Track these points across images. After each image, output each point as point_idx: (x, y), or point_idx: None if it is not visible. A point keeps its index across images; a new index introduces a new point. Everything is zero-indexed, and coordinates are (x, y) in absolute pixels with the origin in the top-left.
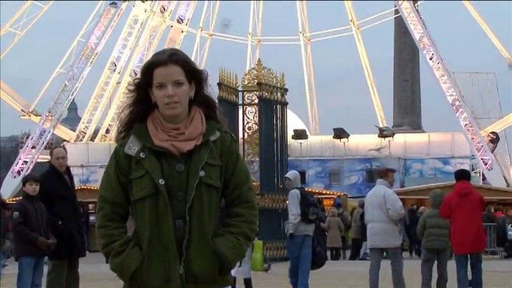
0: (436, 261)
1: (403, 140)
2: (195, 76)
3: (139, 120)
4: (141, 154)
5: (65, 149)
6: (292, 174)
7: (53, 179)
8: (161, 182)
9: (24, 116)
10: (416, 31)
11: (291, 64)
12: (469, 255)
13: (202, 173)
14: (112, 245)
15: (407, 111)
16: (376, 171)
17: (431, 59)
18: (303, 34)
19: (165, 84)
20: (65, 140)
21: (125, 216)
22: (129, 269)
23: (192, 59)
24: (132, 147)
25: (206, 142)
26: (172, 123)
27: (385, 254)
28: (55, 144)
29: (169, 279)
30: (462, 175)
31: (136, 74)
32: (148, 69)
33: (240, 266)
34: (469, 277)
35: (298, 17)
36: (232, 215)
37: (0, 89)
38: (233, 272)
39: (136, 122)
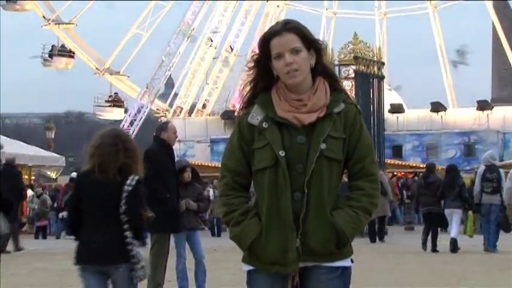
0: None
1: (502, 113)
2: (313, 44)
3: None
4: (263, 124)
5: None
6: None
7: (164, 152)
8: (281, 153)
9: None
10: None
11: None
12: None
13: (323, 146)
14: (232, 214)
15: (507, 84)
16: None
17: None
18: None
19: (283, 53)
20: (162, 116)
21: (247, 186)
22: (247, 239)
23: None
24: (256, 116)
25: (330, 114)
26: (295, 93)
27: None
28: (164, 120)
29: (286, 251)
30: None
31: (232, 49)
32: (265, 42)
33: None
34: None
35: None
36: (353, 188)
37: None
38: (453, 233)
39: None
